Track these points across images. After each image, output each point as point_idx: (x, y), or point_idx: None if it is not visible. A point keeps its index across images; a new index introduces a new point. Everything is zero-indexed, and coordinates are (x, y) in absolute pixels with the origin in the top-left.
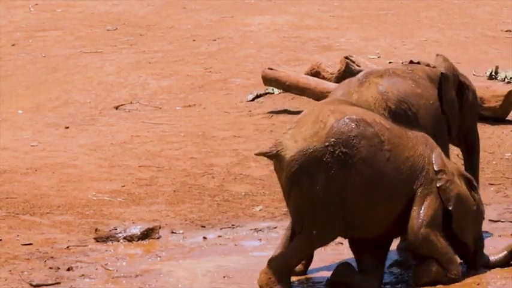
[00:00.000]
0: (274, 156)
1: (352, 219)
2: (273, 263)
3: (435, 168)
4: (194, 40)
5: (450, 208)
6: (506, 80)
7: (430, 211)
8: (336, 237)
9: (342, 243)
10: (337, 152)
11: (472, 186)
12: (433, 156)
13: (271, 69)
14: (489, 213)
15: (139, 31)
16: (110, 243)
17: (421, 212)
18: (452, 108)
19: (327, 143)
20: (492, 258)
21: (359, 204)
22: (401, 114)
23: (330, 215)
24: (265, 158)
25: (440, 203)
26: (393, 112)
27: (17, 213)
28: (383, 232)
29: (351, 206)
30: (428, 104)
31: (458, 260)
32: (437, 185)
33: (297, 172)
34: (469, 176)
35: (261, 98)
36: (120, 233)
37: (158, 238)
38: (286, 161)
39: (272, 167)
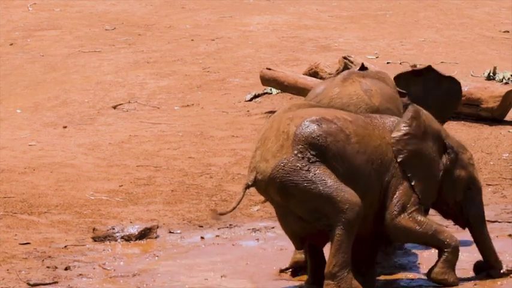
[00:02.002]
0: (255, 184)
1: None
2: (330, 274)
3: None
4: (192, 40)
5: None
6: (504, 81)
7: (403, 197)
8: (362, 209)
9: None
10: (307, 156)
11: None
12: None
13: (270, 69)
14: (487, 213)
15: (137, 31)
16: (107, 242)
17: (393, 202)
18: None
19: (295, 151)
20: None
21: None
22: (384, 112)
23: (340, 189)
24: None
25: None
26: (376, 108)
27: (15, 213)
28: (369, 226)
29: None
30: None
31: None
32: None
33: (282, 186)
34: None
35: (259, 98)
36: (117, 232)
37: (156, 238)
38: (266, 182)
39: None
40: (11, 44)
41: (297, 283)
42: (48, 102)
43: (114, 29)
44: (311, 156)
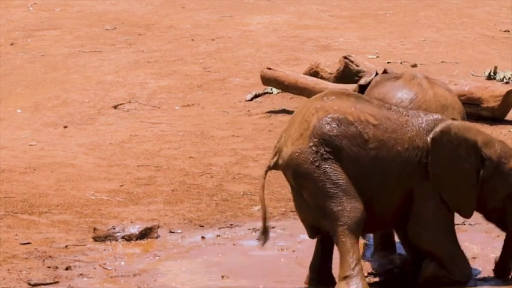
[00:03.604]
0: (275, 166)
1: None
2: (341, 277)
3: None
4: (193, 40)
5: None
6: (505, 80)
7: (430, 211)
8: (364, 215)
9: None
10: (321, 151)
11: None
12: None
13: (270, 68)
14: None
15: (138, 30)
16: (108, 242)
17: (422, 211)
18: None
19: (311, 144)
20: None
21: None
22: (462, 106)
23: (349, 196)
24: (264, 158)
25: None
26: (458, 101)
27: (16, 213)
28: (388, 226)
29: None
30: None
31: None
32: None
33: (295, 176)
34: None
35: (260, 97)
36: (118, 232)
37: (156, 237)
38: (284, 167)
39: None
40: (12, 44)
41: (299, 282)
42: (49, 102)
43: (114, 29)
44: (324, 153)
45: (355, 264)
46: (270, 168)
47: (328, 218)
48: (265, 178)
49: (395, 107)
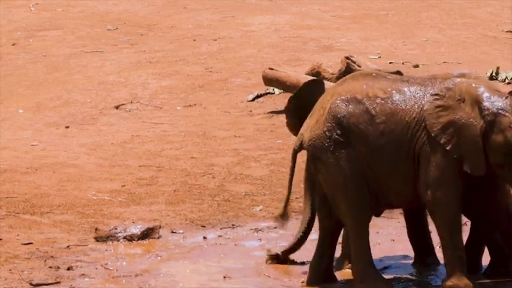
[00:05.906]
0: (301, 148)
1: (376, 192)
2: (353, 270)
3: None
4: (195, 40)
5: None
6: (507, 81)
7: (438, 173)
8: (373, 210)
9: None
10: (333, 136)
11: None
12: None
13: (272, 69)
14: None
15: (139, 31)
16: (110, 242)
17: (428, 173)
18: None
19: (324, 129)
20: None
21: (373, 177)
22: None
23: (357, 189)
24: (266, 158)
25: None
26: None
27: (17, 213)
28: (407, 201)
29: (369, 179)
30: None
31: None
32: None
33: (312, 160)
34: None
35: (262, 98)
36: (120, 232)
37: (158, 238)
38: (305, 151)
39: (272, 167)
40: (13, 44)
41: (300, 282)
42: (51, 102)
43: (116, 29)
44: (337, 137)
45: (364, 257)
46: (296, 151)
47: (338, 208)
48: (294, 161)
49: (414, 79)
